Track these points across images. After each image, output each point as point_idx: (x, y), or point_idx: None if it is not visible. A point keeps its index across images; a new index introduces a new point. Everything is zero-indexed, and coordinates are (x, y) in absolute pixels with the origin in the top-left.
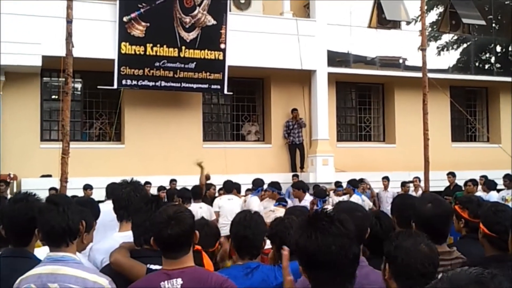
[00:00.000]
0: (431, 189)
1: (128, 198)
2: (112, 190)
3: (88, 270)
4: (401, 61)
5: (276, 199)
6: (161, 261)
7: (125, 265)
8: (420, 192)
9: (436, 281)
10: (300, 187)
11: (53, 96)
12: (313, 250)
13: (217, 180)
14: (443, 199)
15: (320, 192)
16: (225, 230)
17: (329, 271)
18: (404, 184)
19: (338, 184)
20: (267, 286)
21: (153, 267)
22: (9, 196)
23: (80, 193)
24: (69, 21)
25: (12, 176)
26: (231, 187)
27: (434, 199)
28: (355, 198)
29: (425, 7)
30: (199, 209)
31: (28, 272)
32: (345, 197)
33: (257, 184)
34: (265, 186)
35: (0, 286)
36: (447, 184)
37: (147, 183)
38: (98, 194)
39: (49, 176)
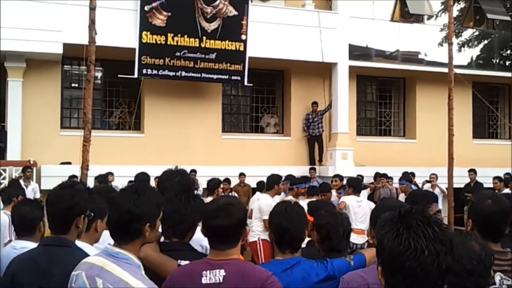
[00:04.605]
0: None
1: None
2: (161, 181)
3: (135, 275)
4: (422, 55)
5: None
6: (190, 256)
7: (156, 260)
8: (437, 190)
9: None
10: (328, 190)
11: (74, 84)
12: (399, 252)
13: (235, 171)
14: (502, 196)
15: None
16: None
17: (414, 280)
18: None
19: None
20: (307, 283)
21: (183, 263)
22: (32, 182)
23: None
24: (92, 8)
25: (32, 162)
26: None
27: (494, 196)
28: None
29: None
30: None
31: (86, 259)
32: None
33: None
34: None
35: (41, 275)
36: (468, 181)
37: (193, 170)
38: (118, 182)
39: (69, 163)
